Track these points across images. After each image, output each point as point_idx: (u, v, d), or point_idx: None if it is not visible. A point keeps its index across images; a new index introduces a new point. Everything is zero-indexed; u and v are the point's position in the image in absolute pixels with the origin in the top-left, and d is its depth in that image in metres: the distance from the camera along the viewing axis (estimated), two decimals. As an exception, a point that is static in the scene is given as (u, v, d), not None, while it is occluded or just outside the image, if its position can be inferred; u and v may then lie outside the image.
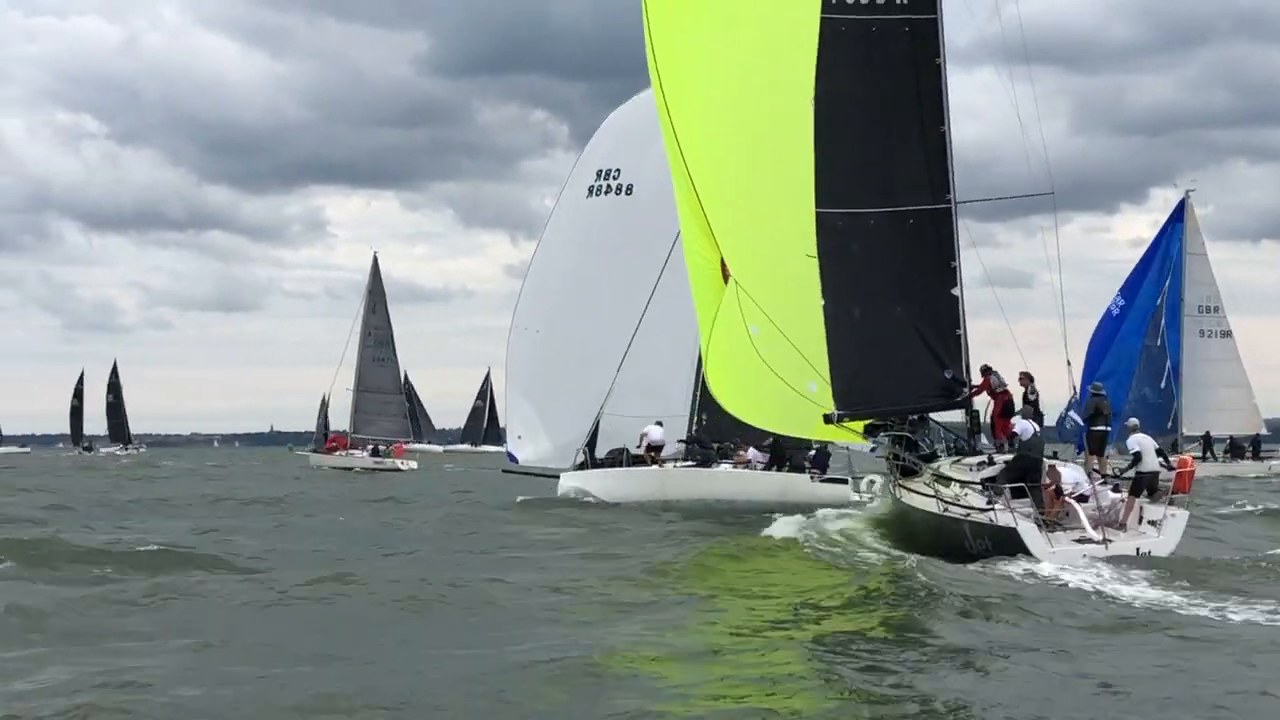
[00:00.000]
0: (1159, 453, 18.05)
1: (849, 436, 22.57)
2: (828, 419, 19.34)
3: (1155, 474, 17.55)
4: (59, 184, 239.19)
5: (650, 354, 30.52)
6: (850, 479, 28.00)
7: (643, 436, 29.99)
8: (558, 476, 30.26)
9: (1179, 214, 32.60)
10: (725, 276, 21.24)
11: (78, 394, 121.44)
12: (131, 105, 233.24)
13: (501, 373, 34.92)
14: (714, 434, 30.41)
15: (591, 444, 30.70)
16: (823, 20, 19.16)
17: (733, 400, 22.43)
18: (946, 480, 18.82)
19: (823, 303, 19.02)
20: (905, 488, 19.40)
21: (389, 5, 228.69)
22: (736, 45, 19.79)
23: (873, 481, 28.86)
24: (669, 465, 29.43)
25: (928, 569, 15.28)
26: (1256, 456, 43.56)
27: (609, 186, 32.56)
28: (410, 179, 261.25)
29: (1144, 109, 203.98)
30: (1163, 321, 31.07)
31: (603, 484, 28.95)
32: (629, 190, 32.21)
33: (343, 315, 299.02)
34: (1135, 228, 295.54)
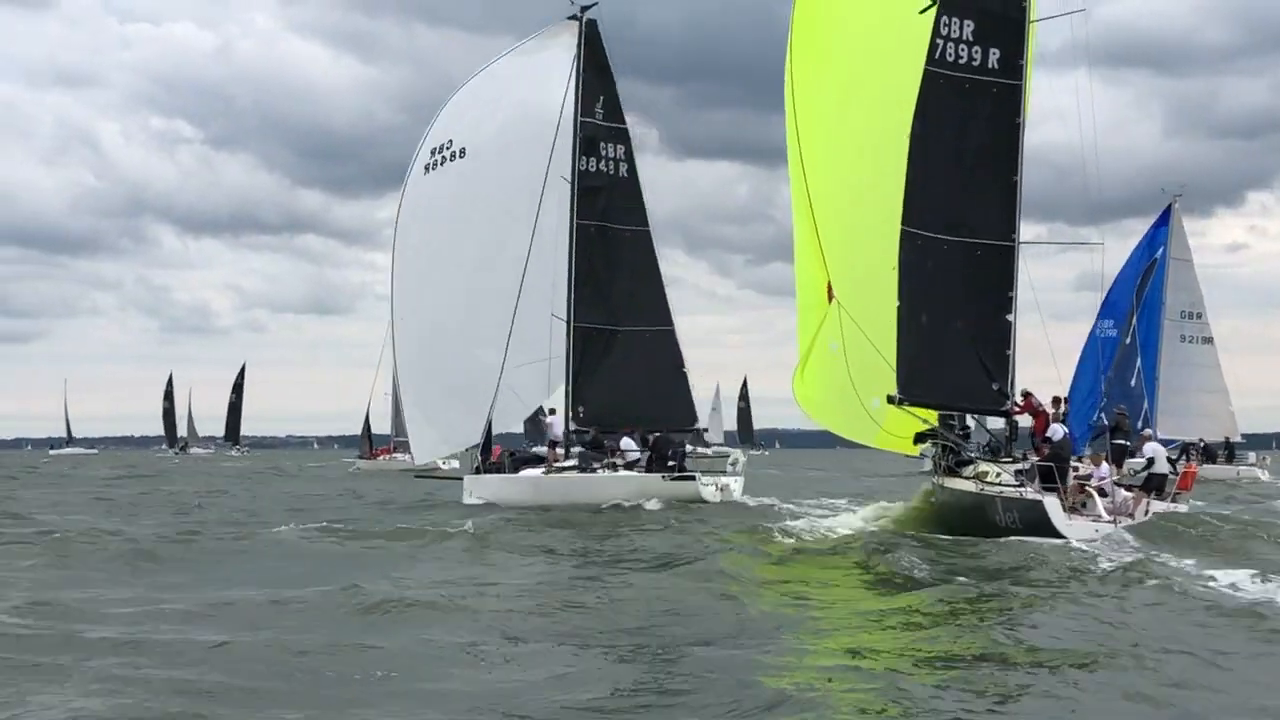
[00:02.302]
0: (1169, 459, 21.28)
1: (904, 446, 25.87)
2: (890, 399, 22.54)
3: (1164, 476, 20.76)
4: (155, 188, 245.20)
5: (524, 342, 30.49)
6: (699, 475, 29.63)
7: (548, 427, 31.25)
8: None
9: (1164, 219, 32.27)
10: (830, 297, 24.96)
11: (168, 396, 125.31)
12: (225, 110, 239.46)
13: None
14: (592, 423, 31.49)
15: (486, 445, 30.97)
16: (926, 70, 22.57)
17: (817, 409, 26.14)
18: (985, 474, 22.07)
19: (897, 304, 22.29)
20: (952, 475, 22.69)
21: (478, 9, 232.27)
22: (860, 84, 23.68)
23: (735, 461, 30.82)
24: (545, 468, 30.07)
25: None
26: (1230, 461, 44.25)
27: (444, 158, 32.31)
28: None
29: (1238, 112, 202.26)
30: (1134, 320, 31.28)
31: (486, 490, 29.67)
32: (463, 153, 31.98)
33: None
34: (1232, 232, 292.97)
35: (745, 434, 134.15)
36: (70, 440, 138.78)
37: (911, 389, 22.34)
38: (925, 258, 22.65)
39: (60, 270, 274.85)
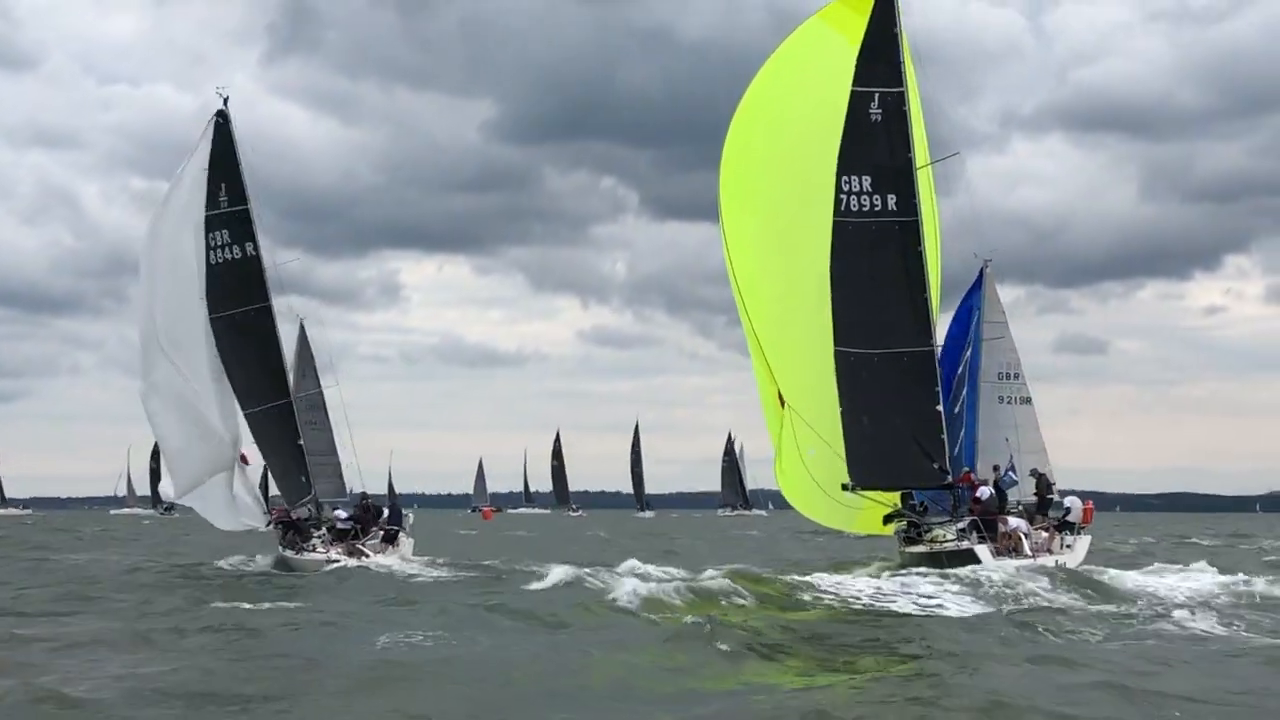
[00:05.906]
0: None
1: (874, 527, 30.58)
2: (845, 487, 27.44)
3: (1075, 524, 25.87)
4: (135, 249, 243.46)
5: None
6: (317, 545, 30.99)
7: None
8: None
9: (978, 283, 32.87)
10: (782, 403, 29.87)
11: (155, 456, 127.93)
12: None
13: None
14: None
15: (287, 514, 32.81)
16: (835, 221, 27.92)
17: (800, 502, 30.67)
18: (937, 537, 27.06)
19: (840, 410, 27.32)
20: (911, 542, 27.62)
21: (459, 73, 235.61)
22: (783, 227, 29.14)
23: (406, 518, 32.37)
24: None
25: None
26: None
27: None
28: (482, 244, 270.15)
29: (1214, 175, 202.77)
30: (964, 390, 32.27)
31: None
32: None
33: (420, 378, 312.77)
34: (1209, 295, 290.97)
35: (739, 491, 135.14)
36: (4, 501, 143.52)
37: (861, 476, 27.32)
38: (859, 370, 27.78)
39: (42, 330, 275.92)
